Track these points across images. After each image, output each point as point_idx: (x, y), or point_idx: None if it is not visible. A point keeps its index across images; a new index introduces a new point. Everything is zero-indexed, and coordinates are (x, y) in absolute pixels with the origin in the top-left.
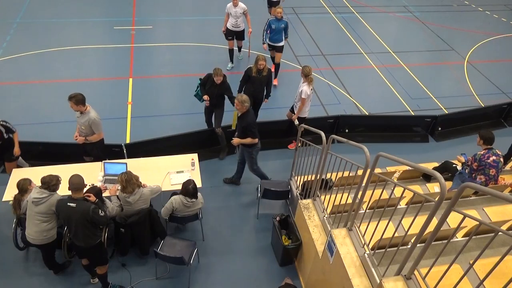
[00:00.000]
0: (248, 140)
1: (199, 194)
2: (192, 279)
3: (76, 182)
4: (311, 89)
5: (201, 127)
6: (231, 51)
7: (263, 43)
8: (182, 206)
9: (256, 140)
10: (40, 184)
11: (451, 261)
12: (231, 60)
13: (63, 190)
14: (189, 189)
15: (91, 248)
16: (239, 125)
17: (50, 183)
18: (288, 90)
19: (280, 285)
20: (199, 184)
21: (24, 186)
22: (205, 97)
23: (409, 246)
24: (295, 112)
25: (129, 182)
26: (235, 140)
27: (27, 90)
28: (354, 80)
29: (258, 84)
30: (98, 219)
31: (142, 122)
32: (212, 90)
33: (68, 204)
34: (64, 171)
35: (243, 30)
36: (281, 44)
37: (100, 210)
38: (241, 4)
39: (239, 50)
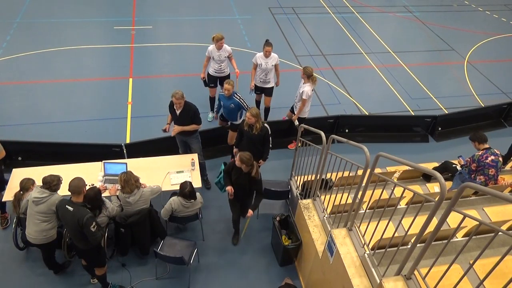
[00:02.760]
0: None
1: (198, 194)
2: (192, 279)
3: (74, 185)
4: (312, 90)
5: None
6: (212, 100)
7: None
8: (181, 207)
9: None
10: (41, 184)
11: (451, 261)
12: (212, 110)
13: (64, 191)
14: (185, 193)
15: (89, 250)
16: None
17: (52, 183)
18: (288, 90)
19: (280, 285)
20: (198, 184)
21: (26, 185)
22: (229, 188)
23: (409, 246)
24: (295, 113)
25: (128, 182)
26: (250, 213)
27: (27, 90)
28: (354, 80)
29: (251, 142)
30: (88, 232)
31: (142, 122)
32: (241, 181)
33: (66, 206)
34: (65, 171)
35: (229, 75)
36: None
37: (94, 224)
38: (226, 47)
39: None
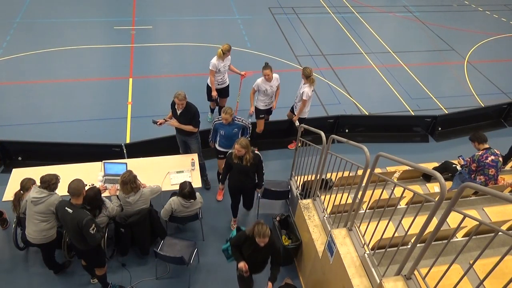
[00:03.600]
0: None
1: (198, 194)
2: (192, 279)
3: (72, 187)
4: (312, 90)
5: (201, 127)
6: (212, 110)
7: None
8: (181, 207)
9: None
10: (39, 184)
11: (451, 261)
12: (212, 111)
13: (63, 191)
14: (185, 193)
15: (88, 251)
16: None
17: (50, 182)
18: (288, 90)
19: (280, 285)
20: (198, 184)
21: (27, 185)
22: (243, 265)
23: (409, 246)
24: (296, 113)
25: (126, 185)
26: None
27: (27, 90)
28: (354, 80)
29: (243, 173)
30: (87, 235)
31: (142, 122)
32: (256, 255)
33: (66, 208)
34: (65, 171)
35: (228, 85)
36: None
37: (93, 226)
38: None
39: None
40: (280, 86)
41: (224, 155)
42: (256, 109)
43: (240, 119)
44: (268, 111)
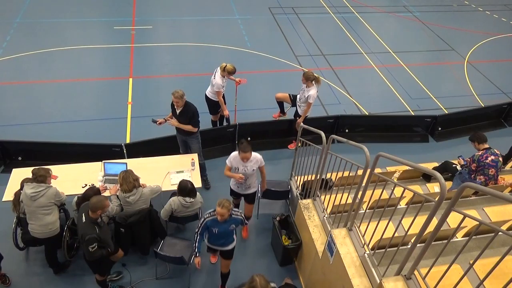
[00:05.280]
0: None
1: (197, 194)
2: (192, 279)
3: (92, 202)
4: (317, 92)
5: (201, 127)
6: (214, 123)
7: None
8: (181, 207)
9: None
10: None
11: (451, 261)
12: (212, 113)
13: (66, 189)
14: (185, 189)
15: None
16: None
17: (37, 174)
18: (288, 90)
19: (280, 285)
20: (198, 184)
21: None
22: None
23: (409, 246)
24: (300, 115)
25: (126, 180)
26: None
27: (27, 90)
28: (354, 80)
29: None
30: (86, 250)
31: (142, 122)
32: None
33: (83, 214)
34: (65, 171)
35: (224, 94)
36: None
37: (94, 245)
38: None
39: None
40: (265, 168)
41: (214, 251)
42: (230, 188)
43: (237, 212)
44: (247, 197)
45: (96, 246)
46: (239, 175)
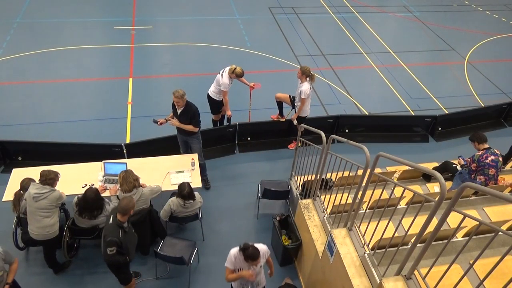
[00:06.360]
0: None
1: (197, 194)
2: (192, 279)
3: (122, 205)
4: (310, 88)
5: (201, 127)
6: (215, 122)
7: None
8: (180, 208)
9: None
10: (38, 182)
11: (451, 261)
12: (213, 113)
13: (66, 189)
14: (184, 194)
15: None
16: None
17: (48, 176)
18: (288, 90)
19: (280, 285)
20: (198, 184)
21: (27, 185)
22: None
23: (409, 246)
24: (295, 112)
25: (126, 179)
26: None
27: (27, 90)
28: (354, 80)
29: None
30: (104, 252)
31: (142, 122)
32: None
33: (112, 215)
34: (65, 171)
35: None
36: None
37: (113, 248)
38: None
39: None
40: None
41: None
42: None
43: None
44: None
45: (115, 250)
46: (249, 272)
